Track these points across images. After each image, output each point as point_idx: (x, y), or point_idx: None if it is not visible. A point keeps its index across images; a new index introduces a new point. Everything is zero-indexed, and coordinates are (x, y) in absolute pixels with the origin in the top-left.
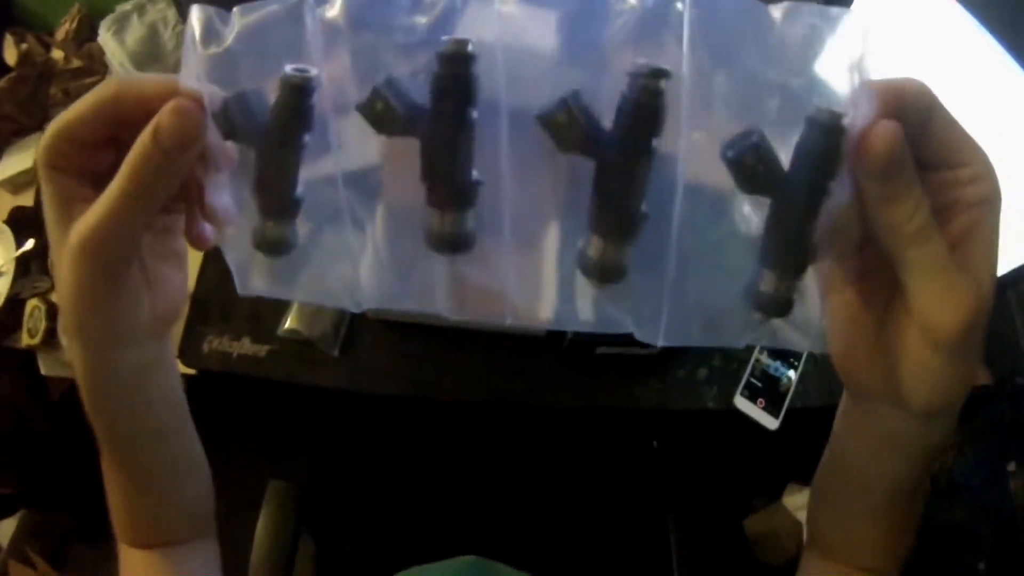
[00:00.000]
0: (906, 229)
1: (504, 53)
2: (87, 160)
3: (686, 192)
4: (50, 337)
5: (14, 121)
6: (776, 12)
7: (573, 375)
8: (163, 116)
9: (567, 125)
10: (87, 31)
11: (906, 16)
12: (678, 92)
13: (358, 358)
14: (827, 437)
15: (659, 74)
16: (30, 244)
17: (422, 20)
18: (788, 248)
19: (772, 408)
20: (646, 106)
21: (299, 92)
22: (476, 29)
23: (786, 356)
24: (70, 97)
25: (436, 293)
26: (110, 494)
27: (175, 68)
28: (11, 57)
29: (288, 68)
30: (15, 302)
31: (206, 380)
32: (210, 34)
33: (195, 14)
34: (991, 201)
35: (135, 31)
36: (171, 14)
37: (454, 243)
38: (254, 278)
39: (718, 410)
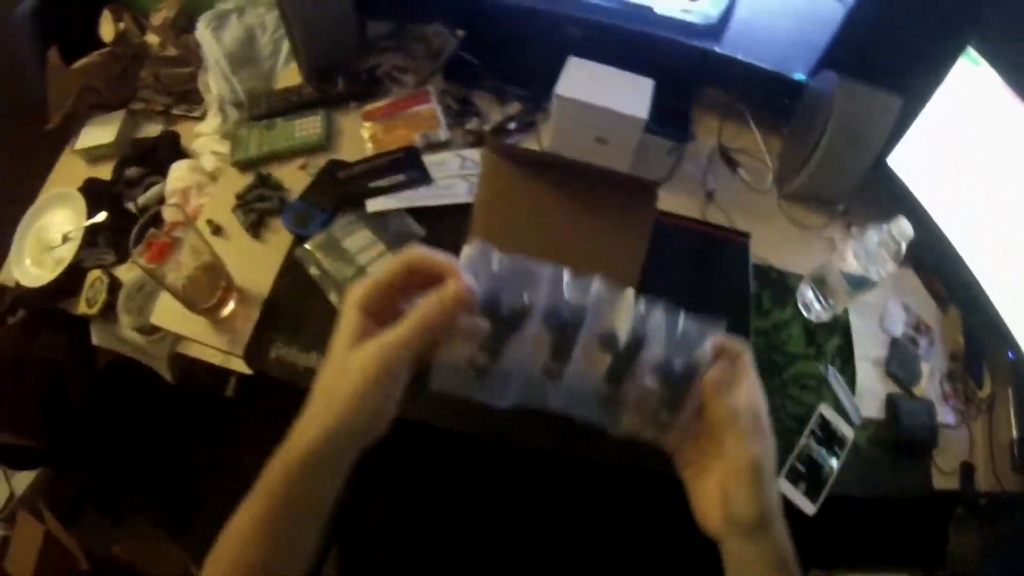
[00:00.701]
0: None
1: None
2: (379, 304)
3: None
4: (107, 310)
5: (100, 95)
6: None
7: (623, 448)
8: (451, 290)
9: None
10: (183, 20)
11: (972, 112)
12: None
13: (422, 390)
14: (857, 527)
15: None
16: (102, 216)
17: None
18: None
19: (812, 493)
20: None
21: (521, 313)
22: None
23: (831, 445)
24: (160, 82)
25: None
26: (241, 535)
27: (268, 73)
28: (107, 33)
29: (525, 298)
30: (77, 269)
31: (261, 380)
32: (475, 256)
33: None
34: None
35: (233, 31)
36: (269, 19)
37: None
38: (448, 379)
39: None
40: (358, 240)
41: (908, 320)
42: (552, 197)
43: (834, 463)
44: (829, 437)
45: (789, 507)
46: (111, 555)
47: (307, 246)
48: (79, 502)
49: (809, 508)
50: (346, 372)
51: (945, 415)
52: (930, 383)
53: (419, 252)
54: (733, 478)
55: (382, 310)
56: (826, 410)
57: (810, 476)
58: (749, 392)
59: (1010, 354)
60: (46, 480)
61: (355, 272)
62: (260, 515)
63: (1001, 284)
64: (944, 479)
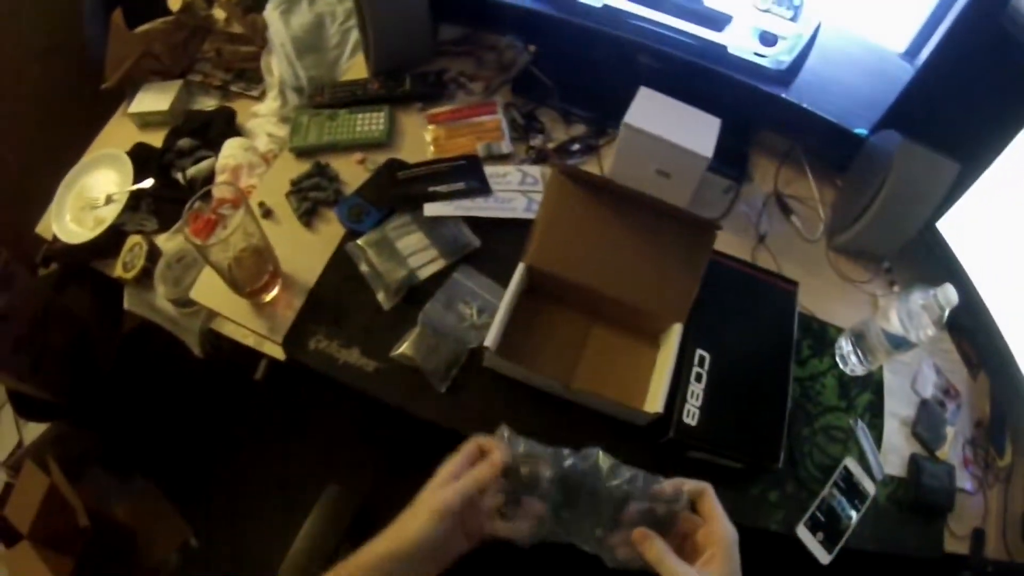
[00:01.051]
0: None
1: None
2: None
3: None
4: (143, 276)
5: (160, 62)
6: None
7: (660, 471)
8: (496, 455)
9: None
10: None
11: None
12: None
13: (462, 400)
14: None
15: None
16: (148, 183)
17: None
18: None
19: (828, 543)
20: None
21: (536, 479)
22: None
23: (852, 498)
24: (221, 57)
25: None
26: None
27: (333, 63)
28: (175, 2)
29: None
30: (117, 232)
31: (292, 368)
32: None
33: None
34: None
35: (302, 16)
36: (340, 9)
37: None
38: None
39: (779, 533)
40: (411, 242)
41: (939, 383)
42: (613, 224)
43: (853, 516)
44: (851, 490)
45: (804, 555)
46: (112, 515)
47: (359, 242)
48: (87, 458)
49: (825, 558)
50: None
51: (964, 480)
52: (953, 447)
53: (485, 441)
54: (717, 550)
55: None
56: (851, 463)
57: (828, 526)
58: (726, 522)
59: None
60: (56, 433)
61: (406, 274)
62: None
63: None
64: (956, 543)
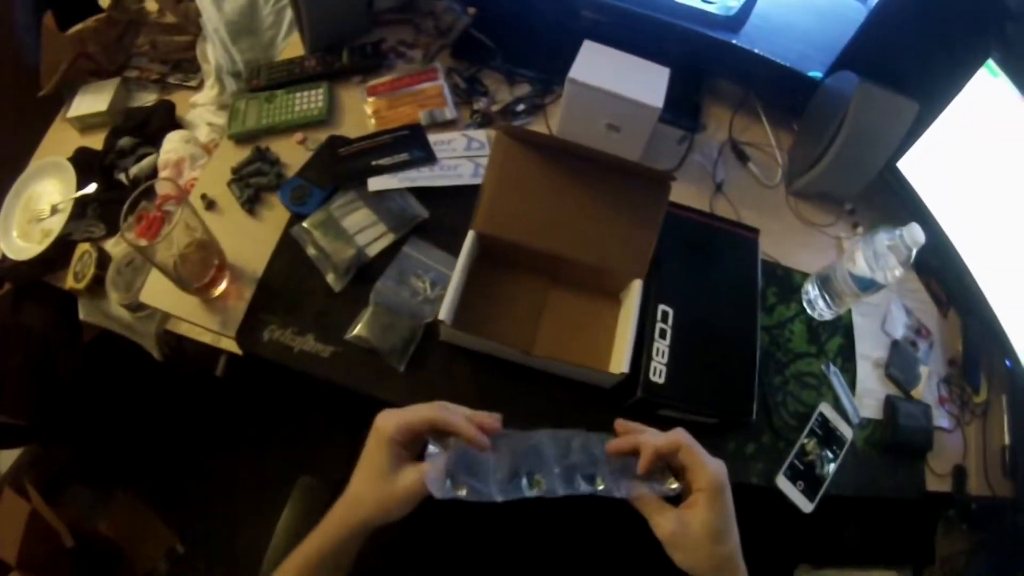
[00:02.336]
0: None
1: None
2: (406, 439)
3: None
4: (95, 284)
5: (95, 62)
6: None
7: None
8: (472, 434)
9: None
10: None
11: (987, 123)
12: None
13: (422, 377)
14: (850, 525)
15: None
16: (92, 188)
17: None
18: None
19: (809, 491)
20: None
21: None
22: None
23: (830, 444)
24: (157, 50)
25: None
26: None
27: (269, 44)
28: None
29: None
30: (65, 242)
31: (252, 361)
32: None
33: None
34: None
35: (235, 0)
36: None
37: None
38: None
39: (759, 486)
40: (358, 219)
41: (909, 323)
42: (563, 183)
43: (832, 462)
44: (828, 436)
45: (785, 504)
46: (97, 531)
47: (304, 224)
48: (64, 477)
49: (807, 506)
50: (388, 491)
51: (941, 419)
52: (928, 387)
53: (446, 415)
54: (701, 496)
55: (406, 441)
56: (826, 409)
57: (808, 475)
58: (707, 466)
59: (1007, 362)
60: (31, 455)
61: (354, 252)
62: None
63: (1003, 293)
64: (937, 481)
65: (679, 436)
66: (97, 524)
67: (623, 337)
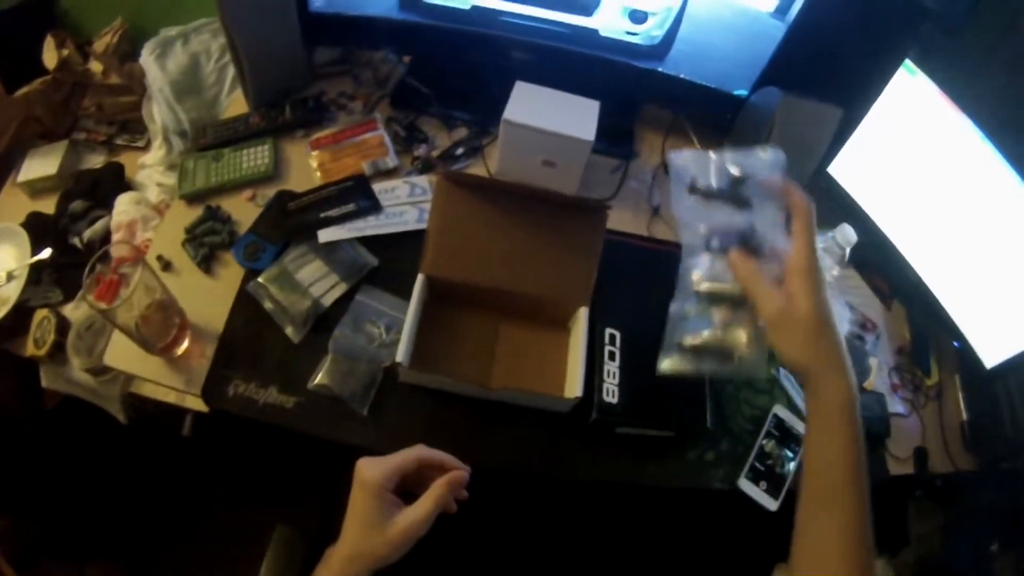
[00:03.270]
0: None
1: None
2: (396, 485)
3: None
4: (56, 350)
5: (42, 124)
6: None
7: (592, 452)
8: (458, 475)
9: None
10: (127, 46)
11: (909, 120)
12: None
13: (386, 419)
14: None
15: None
16: (47, 253)
17: None
18: None
19: (773, 490)
20: None
21: None
22: None
23: (788, 443)
24: (103, 112)
25: None
26: None
27: (213, 101)
28: (50, 60)
29: None
30: (23, 309)
31: (218, 417)
32: None
33: None
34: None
35: (178, 58)
36: (215, 46)
37: None
38: None
39: (723, 490)
40: (311, 272)
41: (854, 318)
42: (504, 221)
43: (792, 460)
44: (785, 435)
45: (752, 506)
46: None
47: (260, 280)
48: (35, 549)
49: (772, 504)
50: (385, 538)
51: (895, 405)
52: (879, 376)
53: (427, 452)
54: (794, 279)
55: (393, 487)
56: (780, 410)
57: (769, 474)
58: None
59: (955, 343)
60: (0, 529)
61: (310, 304)
62: None
63: (942, 279)
64: (899, 465)
65: (809, 205)
66: None
67: (574, 362)
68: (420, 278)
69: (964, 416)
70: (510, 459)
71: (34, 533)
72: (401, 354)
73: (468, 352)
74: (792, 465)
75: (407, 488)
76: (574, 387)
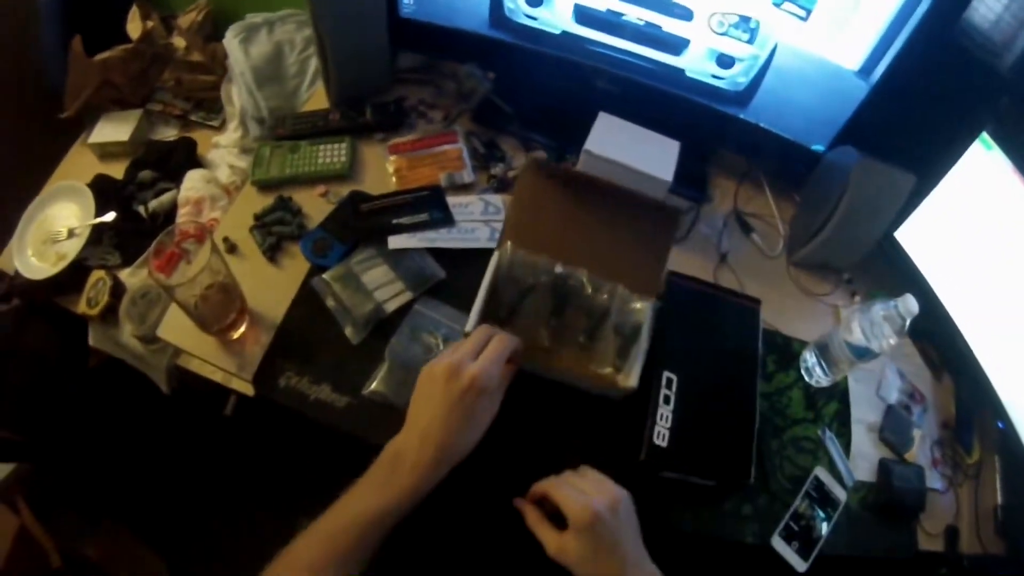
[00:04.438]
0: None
1: None
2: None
3: None
4: (108, 312)
5: (118, 91)
6: None
7: (633, 489)
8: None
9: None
10: (210, 27)
11: (981, 194)
12: None
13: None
14: None
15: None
16: (111, 216)
17: None
18: None
19: (804, 551)
20: None
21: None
22: None
23: (824, 506)
24: (181, 87)
25: None
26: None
27: (293, 92)
28: (134, 30)
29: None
30: (80, 267)
31: (261, 404)
32: None
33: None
34: (580, 531)
35: (261, 45)
36: (299, 38)
37: None
38: None
39: (755, 545)
40: (377, 276)
41: (903, 387)
42: (583, 210)
43: (826, 523)
44: (823, 498)
45: (781, 564)
46: (84, 555)
47: (325, 276)
48: (57, 498)
49: (801, 566)
50: (479, 435)
51: (933, 480)
52: (921, 449)
53: (509, 341)
54: (569, 534)
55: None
56: (821, 472)
57: (803, 535)
58: (574, 503)
59: (999, 424)
60: (24, 472)
61: (373, 307)
62: (320, 563)
63: (995, 357)
64: (929, 541)
65: (544, 486)
66: (86, 548)
67: (634, 354)
68: (501, 250)
69: (999, 500)
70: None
71: (56, 481)
72: (470, 323)
73: (532, 334)
74: (826, 528)
75: None
76: (630, 378)
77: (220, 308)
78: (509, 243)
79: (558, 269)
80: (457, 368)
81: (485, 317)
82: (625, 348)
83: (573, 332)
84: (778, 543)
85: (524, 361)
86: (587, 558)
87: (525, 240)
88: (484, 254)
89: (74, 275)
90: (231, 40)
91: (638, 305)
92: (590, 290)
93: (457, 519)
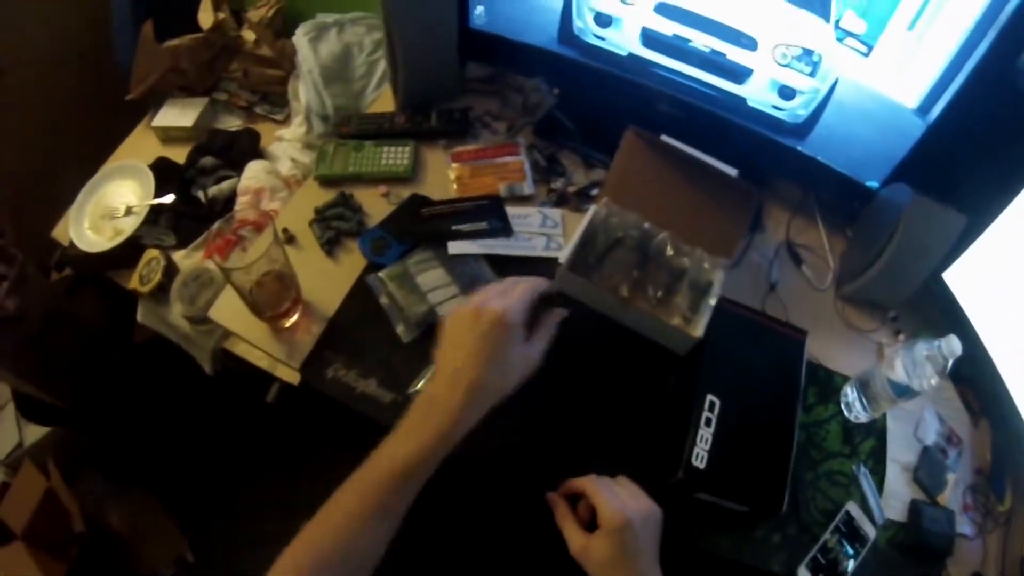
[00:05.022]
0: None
1: None
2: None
3: None
4: (159, 291)
5: (185, 77)
6: None
7: (667, 510)
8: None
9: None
10: (279, 24)
11: None
12: None
13: (478, 433)
14: None
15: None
16: (170, 198)
17: None
18: None
19: None
20: None
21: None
22: None
23: (853, 542)
24: (248, 79)
25: None
26: (335, 525)
27: (359, 93)
28: (205, 20)
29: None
30: (134, 244)
31: (304, 393)
32: None
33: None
34: (609, 533)
35: (330, 44)
36: (368, 40)
37: None
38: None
39: (780, 574)
40: (433, 278)
41: (941, 430)
42: (674, 179)
43: (852, 559)
44: (852, 533)
45: None
46: (108, 523)
47: (381, 274)
48: (86, 464)
49: None
50: (513, 371)
51: (963, 526)
52: (953, 493)
53: (544, 283)
54: (600, 534)
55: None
56: (853, 508)
57: (829, 568)
58: (612, 508)
59: None
60: (57, 437)
61: (426, 310)
62: (356, 511)
63: None
64: None
65: (584, 483)
66: (110, 516)
67: (704, 309)
68: (595, 205)
69: None
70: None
71: (88, 449)
72: (564, 255)
73: (616, 282)
74: (852, 564)
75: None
76: (698, 328)
77: (275, 296)
78: (607, 197)
79: (645, 226)
80: (480, 307)
81: (577, 259)
82: (696, 303)
83: (652, 287)
84: (804, 574)
85: (602, 307)
86: (607, 563)
87: (620, 198)
88: (539, 262)
89: (129, 252)
90: (300, 37)
91: (712, 267)
92: (671, 252)
93: (486, 510)
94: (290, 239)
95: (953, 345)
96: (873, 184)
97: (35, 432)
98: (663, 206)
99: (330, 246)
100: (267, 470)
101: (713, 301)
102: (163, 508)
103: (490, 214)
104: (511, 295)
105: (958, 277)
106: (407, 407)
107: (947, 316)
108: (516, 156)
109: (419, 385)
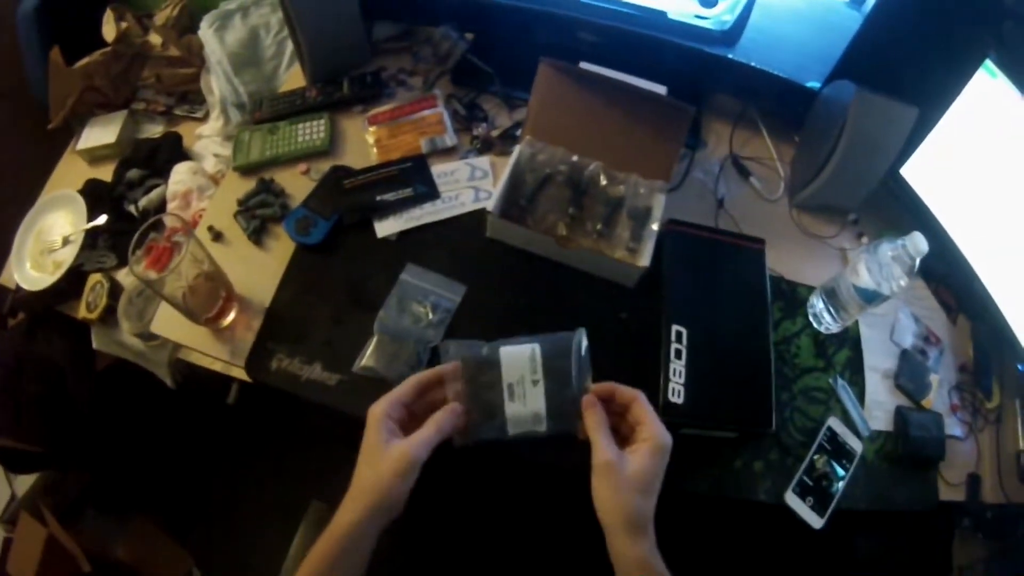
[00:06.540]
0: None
1: None
2: (397, 414)
3: None
4: (108, 314)
5: (102, 94)
6: None
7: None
8: (454, 409)
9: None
10: (187, 20)
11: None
12: None
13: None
14: (863, 539)
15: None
16: (102, 219)
17: None
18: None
19: (819, 508)
20: None
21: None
22: None
23: (839, 458)
24: (162, 83)
25: None
26: None
27: (272, 75)
28: (109, 33)
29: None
30: (77, 272)
31: (263, 388)
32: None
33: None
34: (653, 450)
35: (236, 31)
36: (274, 20)
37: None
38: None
39: (768, 503)
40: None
41: (918, 331)
42: (598, 106)
43: (842, 477)
44: (837, 450)
45: (796, 521)
46: (113, 556)
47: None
48: (81, 502)
49: (816, 522)
50: (378, 469)
51: (953, 427)
52: (938, 395)
53: (423, 375)
54: (644, 449)
55: (400, 417)
56: (835, 423)
57: (817, 490)
58: (657, 426)
59: (1019, 366)
60: (48, 481)
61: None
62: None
63: (1012, 296)
64: (950, 491)
65: (634, 393)
66: (114, 549)
67: (647, 237)
68: (521, 143)
69: (1022, 445)
70: (559, 454)
71: (80, 486)
72: (492, 203)
73: (552, 222)
74: (841, 484)
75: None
76: (643, 257)
77: (207, 298)
78: (528, 136)
79: (574, 159)
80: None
81: (507, 204)
82: (637, 231)
83: (590, 221)
84: (792, 500)
85: (540, 250)
86: (640, 479)
87: (543, 134)
88: (468, 216)
89: (73, 282)
90: (205, 30)
91: (649, 191)
92: (605, 181)
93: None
94: (217, 236)
95: (918, 242)
96: (814, 84)
97: (25, 482)
98: (591, 136)
99: (257, 235)
100: (249, 470)
101: (655, 227)
102: (163, 529)
103: (414, 177)
104: (390, 392)
105: (917, 171)
106: (354, 389)
107: (910, 213)
108: (434, 108)
109: (362, 362)
